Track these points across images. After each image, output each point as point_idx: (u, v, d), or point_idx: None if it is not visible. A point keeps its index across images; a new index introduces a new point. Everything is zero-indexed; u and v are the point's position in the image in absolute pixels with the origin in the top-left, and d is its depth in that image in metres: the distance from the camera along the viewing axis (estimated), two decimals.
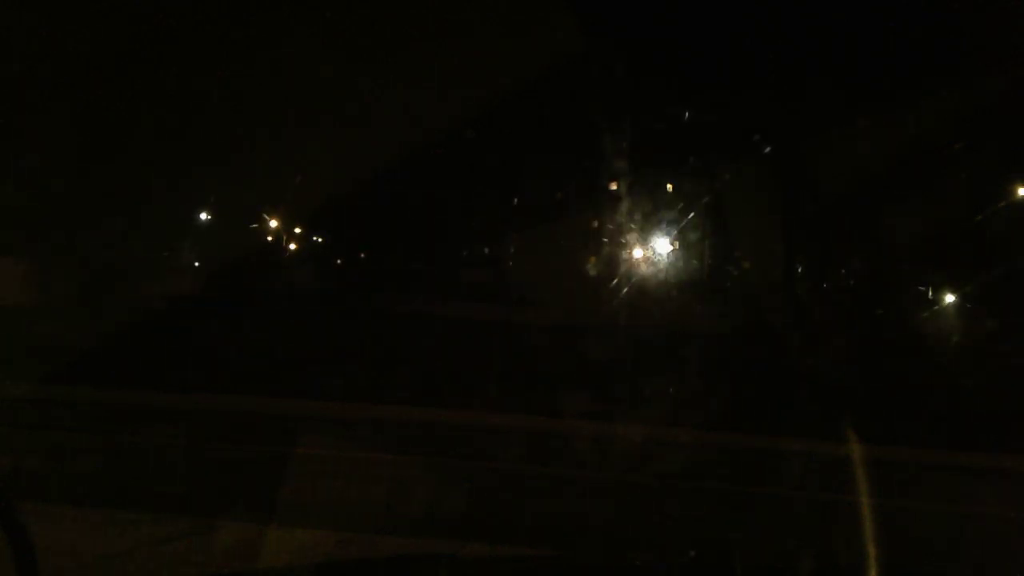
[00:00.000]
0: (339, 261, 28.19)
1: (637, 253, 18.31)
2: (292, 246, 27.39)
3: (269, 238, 30.53)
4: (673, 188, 18.16)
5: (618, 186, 17.38)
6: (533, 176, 19.43)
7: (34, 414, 7.80)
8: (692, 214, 17.25)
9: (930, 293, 17.06)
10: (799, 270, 18.21)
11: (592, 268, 18.47)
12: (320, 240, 28.37)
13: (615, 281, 17.08)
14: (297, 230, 27.60)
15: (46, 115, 15.30)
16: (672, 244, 18.18)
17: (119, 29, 14.25)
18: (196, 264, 27.79)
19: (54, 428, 7.54)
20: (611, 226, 18.24)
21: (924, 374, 12.09)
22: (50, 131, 15.58)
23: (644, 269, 18.03)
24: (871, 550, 4.41)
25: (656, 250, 18.21)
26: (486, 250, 23.68)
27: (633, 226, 17.76)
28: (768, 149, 16.71)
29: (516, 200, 20.52)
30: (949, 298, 16.30)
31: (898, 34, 14.67)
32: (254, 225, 29.71)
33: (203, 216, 27.89)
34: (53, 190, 16.26)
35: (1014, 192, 16.98)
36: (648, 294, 17.25)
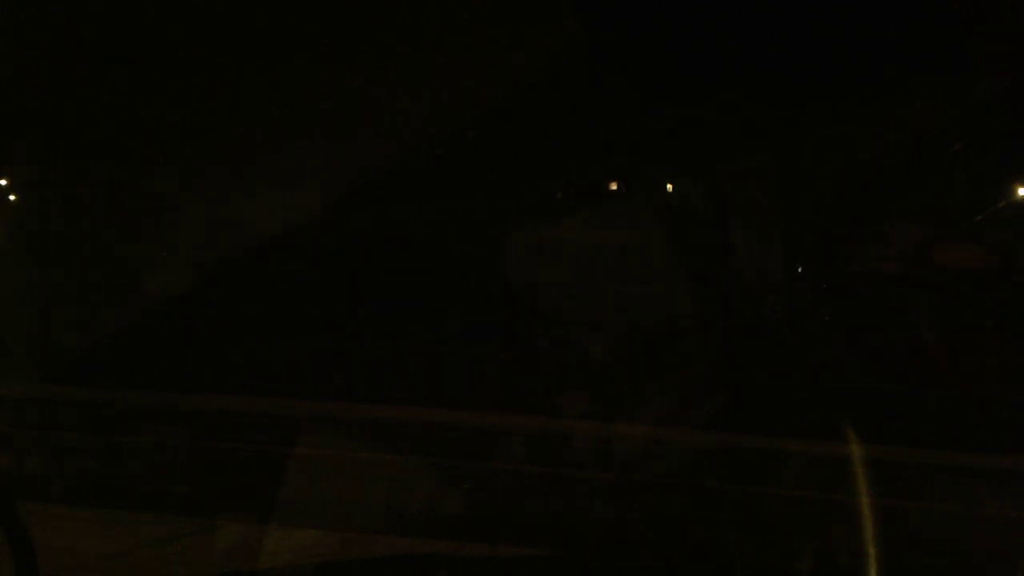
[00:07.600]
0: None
1: None
2: None
3: None
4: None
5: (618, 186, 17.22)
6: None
7: (35, 413, 7.80)
8: None
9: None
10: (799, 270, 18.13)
11: None
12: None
13: None
14: None
15: (48, 115, 15.31)
16: None
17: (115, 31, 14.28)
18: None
19: (54, 428, 7.54)
20: None
21: (923, 375, 12.06)
22: (51, 131, 15.58)
23: None
24: (871, 550, 4.41)
25: None
26: None
27: None
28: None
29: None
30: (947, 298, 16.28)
31: (899, 34, 14.66)
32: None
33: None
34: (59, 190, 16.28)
35: (1014, 192, 16.97)
36: None
